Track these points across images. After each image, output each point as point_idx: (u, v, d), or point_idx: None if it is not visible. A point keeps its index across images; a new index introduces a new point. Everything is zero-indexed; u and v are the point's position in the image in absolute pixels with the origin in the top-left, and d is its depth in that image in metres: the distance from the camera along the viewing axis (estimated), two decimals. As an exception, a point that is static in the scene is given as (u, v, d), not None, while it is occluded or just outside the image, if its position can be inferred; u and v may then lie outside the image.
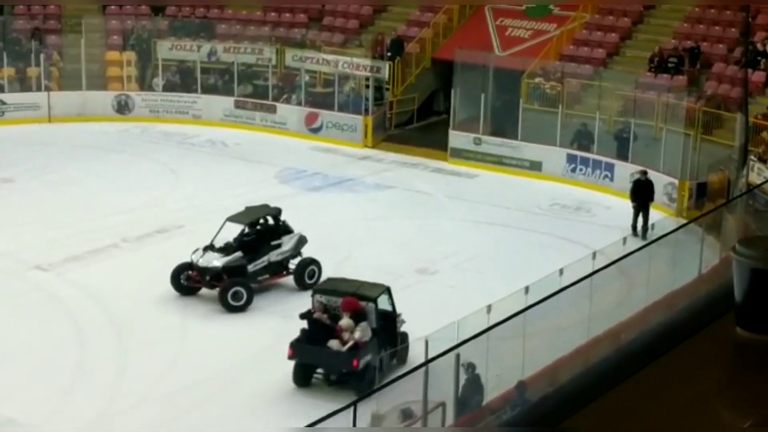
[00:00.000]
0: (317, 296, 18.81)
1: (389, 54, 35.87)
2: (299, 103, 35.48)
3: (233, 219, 22.26)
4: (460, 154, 32.73)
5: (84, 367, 18.97)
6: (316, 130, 34.73)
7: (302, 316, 18.51)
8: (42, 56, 35.84)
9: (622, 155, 30.11)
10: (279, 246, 22.00)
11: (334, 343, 18.03)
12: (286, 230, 22.49)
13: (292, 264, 22.59)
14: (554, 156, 31.35)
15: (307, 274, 21.88)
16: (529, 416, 5.18)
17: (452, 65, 34.06)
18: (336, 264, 24.14)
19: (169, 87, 36.49)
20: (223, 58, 36.81)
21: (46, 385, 18.27)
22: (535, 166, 31.67)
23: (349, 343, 17.88)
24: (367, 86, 34.80)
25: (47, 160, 31.28)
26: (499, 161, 32.24)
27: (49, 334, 20.10)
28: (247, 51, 36.71)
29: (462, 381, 14.60)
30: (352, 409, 10.16)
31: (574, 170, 30.95)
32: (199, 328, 20.73)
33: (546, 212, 28.53)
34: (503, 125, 32.76)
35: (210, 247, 21.61)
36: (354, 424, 11.16)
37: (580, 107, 32.25)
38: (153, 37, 37.48)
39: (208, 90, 36.34)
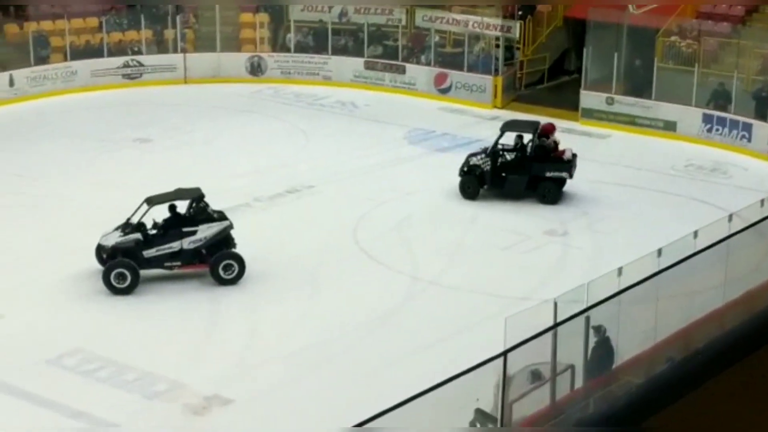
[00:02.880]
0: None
1: (520, 13, 35.49)
2: (428, 64, 35.39)
3: (150, 200, 20.91)
4: (592, 115, 32.29)
5: (217, 323, 19.35)
6: (445, 91, 34.62)
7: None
8: (178, 19, 36.47)
9: (761, 115, 29.31)
10: (193, 233, 20.54)
11: None
12: (208, 218, 20.85)
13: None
14: (690, 116, 30.70)
15: (222, 267, 20.33)
16: (668, 378, 5.07)
17: (585, 24, 33.54)
18: (464, 225, 24.13)
19: (300, 48, 36.77)
20: (353, 19, 36.91)
21: (181, 339, 18.69)
22: (669, 127, 31.08)
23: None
24: (497, 46, 34.52)
25: (182, 120, 31.89)
26: (631, 121, 31.72)
27: (184, 291, 20.51)
28: (378, 11, 36.71)
29: (592, 344, 14.44)
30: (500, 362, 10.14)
31: (710, 130, 30.27)
32: (329, 287, 20.93)
33: (680, 173, 27.98)
34: (637, 85, 32.20)
35: (125, 225, 20.61)
36: (504, 375, 11.17)
37: (717, 66, 31.46)
38: (286, -2, 37.76)
39: (338, 51, 36.51)
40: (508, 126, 26.20)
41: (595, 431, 4.75)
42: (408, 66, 35.47)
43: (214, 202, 24.65)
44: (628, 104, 31.81)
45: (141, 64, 35.81)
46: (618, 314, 13.86)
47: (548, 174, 25.45)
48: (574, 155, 25.71)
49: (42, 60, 34.60)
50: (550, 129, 26.10)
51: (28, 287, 20.42)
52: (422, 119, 32.35)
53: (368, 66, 35.88)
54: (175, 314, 19.60)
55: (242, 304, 20.11)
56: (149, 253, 20.41)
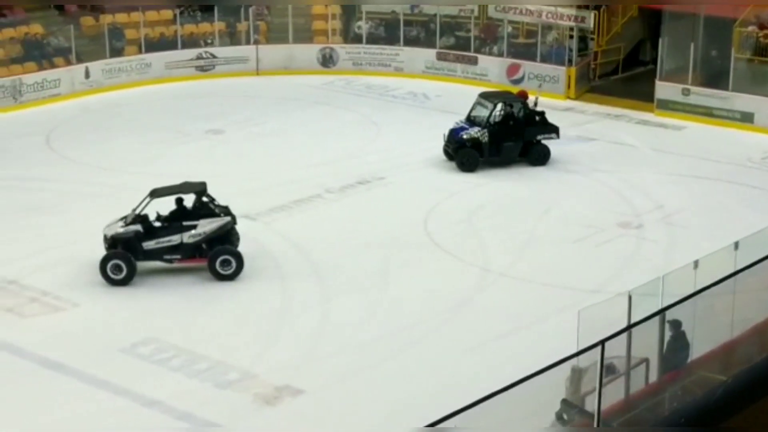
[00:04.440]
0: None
1: (593, 3, 35.11)
2: (501, 55, 35.20)
3: (154, 192, 20.81)
4: (667, 106, 31.89)
5: (288, 314, 19.40)
6: (517, 82, 34.38)
7: None
8: (251, 11, 36.66)
9: (842, 107, 28.78)
10: (193, 227, 20.37)
11: None
12: (210, 213, 20.67)
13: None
14: (767, 107, 30.17)
15: (219, 262, 20.24)
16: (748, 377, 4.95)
17: (660, 14, 33.10)
18: (536, 216, 23.96)
19: (372, 39, 36.77)
20: (425, 10, 36.84)
21: (253, 329, 18.78)
22: (746, 118, 30.59)
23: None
24: (571, 36, 34.22)
25: (254, 112, 32.06)
26: (708, 113, 31.27)
27: (255, 281, 20.62)
28: (450, 2, 36.57)
29: (667, 338, 14.23)
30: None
31: (787, 122, 29.78)
32: (400, 277, 20.89)
33: (757, 165, 27.53)
34: (713, 75, 31.70)
35: (134, 217, 20.51)
36: (601, 364, 11.07)
37: (796, 57, 30.91)
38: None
39: (410, 42, 36.45)
40: (491, 97, 27.74)
41: None
42: (480, 57, 35.31)
43: (286, 193, 24.87)
44: (704, 95, 31.36)
45: (214, 56, 36.06)
46: (694, 308, 13.63)
47: (539, 137, 27.10)
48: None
49: (117, 52, 35.00)
50: (525, 95, 28.02)
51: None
52: (494, 110, 32.13)
53: (440, 57, 35.78)
54: (248, 304, 19.70)
55: (314, 294, 20.14)
56: (149, 245, 20.38)
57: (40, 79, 32.89)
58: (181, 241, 20.41)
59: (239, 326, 18.90)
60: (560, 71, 33.83)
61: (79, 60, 34.03)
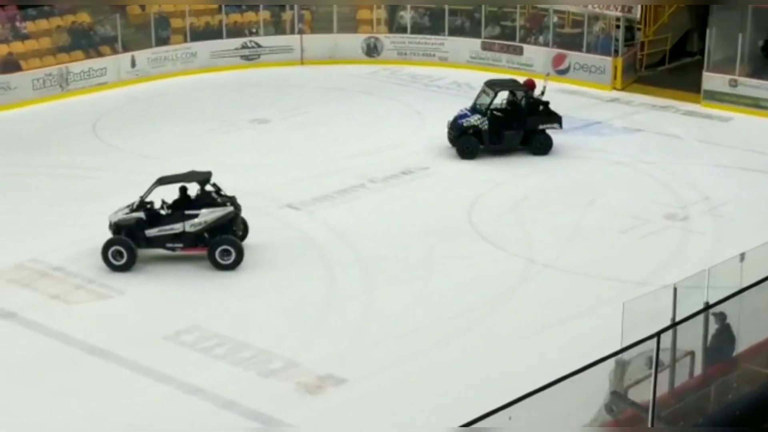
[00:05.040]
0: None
1: (641, -7, 34.83)
2: (546, 44, 35.01)
3: (161, 180, 21.03)
4: (714, 97, 31.58)
5: (331, 303, 19.43)
6: (563, 72, 34.19)
7: None
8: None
9: None
10: (195, 216, 20.42)
11: None
12: (212, 202, 20.73)
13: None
14: (816, 99, 29.93)
15: (219, 252, 20.28)
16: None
17: (708, 4, 32.76)
18: (581, 207, 23.83)
19: (416, 29, 36.69)
20: (471, 0, 36.69)
21: (297, 318, 18.83)
22: (794, 110, 30.28)
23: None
24: (618, 26, 33.96)
25: (299, 101, 32.11)
26: (755, 104, 30.94)
27: (299, 270, 20.67)
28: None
29: (712, 331, 14.12)
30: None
31: (838, 114, 29.41)
32: (444, 268, 20.86)
33: (805, 158, 27.23)
34: (761, 66, 31.34)
35: (139, 204, 20.71)
36: (656, 357, 11.02)
37: None
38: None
39: (455, 32, 36.34)
40: (496, 85, 27.63)
41: None
42: (525, 47, 35.15)
43: (330, 183, 24.90)
44: (751, 86, 31.03)
45: (259, 46, 36.14)
46: (740, 301, 13.50)
47: (541, 127, 27.05)
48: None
49: (163, 41, 35.17)
50: (532, 84, 27.74)
51: (147, 265, 20.77)
52: (539, 101, 32.02)
53: (485, 47, 35.65)
54: (291, 293, 19.74)
55: (357, 284, 20.16)
56: (151, 232, 20.50)
57: (87, 67, 33.13)
58: (183, 229, 20.50)
59: (283, 315, 18.96)
60: (606, 61, 33.59)
61: (126, 49, 34.24)
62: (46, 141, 28.36)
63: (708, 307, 13.43)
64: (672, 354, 13.31)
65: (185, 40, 35.44)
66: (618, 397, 12.51)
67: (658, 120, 30.62)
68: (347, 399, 16.32)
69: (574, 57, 34.19)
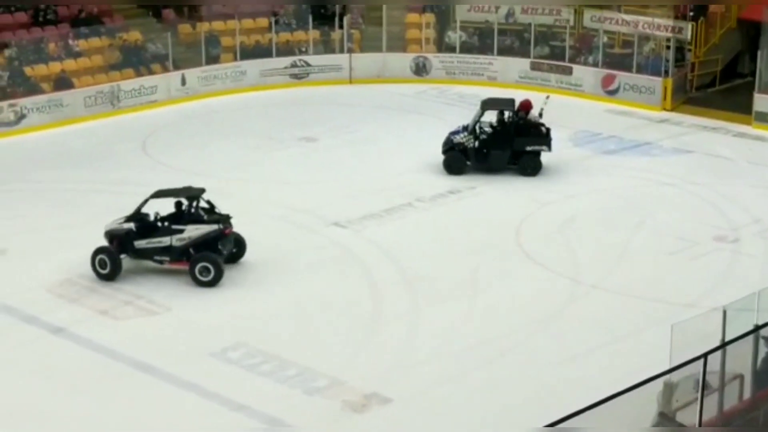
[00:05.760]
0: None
1: (692, 14, 34.63)
2: (596, 65, 34.89)
3: (157, 193, 21.31)
4: (766, 118, 31.33)
5: (377, 321, 19.41)
6: (612, 92, 34.05)
7: None
8: (345, 19, 36.85)
9: None
10: (181, 232, 20.69)
11: None
12: (198, 219, 20.96)
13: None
14: None
15: (198, 269, 20.45)
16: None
17: (759, 26, 32.50)
18: (630, 228, 23.66)
19: (465, 49, 36.72)
20: (520, 20, 36.70)
21: (342, 336, 18.81)
22: None
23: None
24: (668, 47, 33.78)
25: (347, 120, 32.20)
26: (807, 126, 30.65)
27: (346, 288, 20.68)
28: (545, 12, 36.39)
29: (761, 354, 13.95)
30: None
31: None
32: (490, 287, 20.78)
33: None
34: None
35: (133, 215, 21.10)
36: (703, 378, 10.91)
37: None
38: (452, -1, 37.84)
39: (504, 52, 36.32)
40: (487, 104, 27.52)
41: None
42: (575, 67, 35.04)
43: (377, 201, 24.91)
44: (803, 108, 30.76)
45: (308, 64, 36.31)
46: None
47: (529, 148, 26.90)
48: (548, 129, 27.05)
49: (213, 60, 35.44)
50: (528, 105, 27.46)
51: (193, 282, 20.87)
52: (588, 121, 31.92)
53: (534, 67, 35.58)
54: (337, 311, 19.74)
55: (404, 302, 20.13)
56: (140, 244, 20.86)
57: (138, 85, 33.45)
58: (170, 243, 20.81)
59: (329, 333, 18.96)
60: (656, 82, 33.41)
61: (176, 67, 34.54)
62: (97, 157, 28.65)
63: (757, 329, 13.28)
64: (720, 377, 13.17)
65: (235, 59, 35.69)
66: (665, 418, 12.39)
67: (709, 141, 30.38)
68: (393, 418, 16.27)
69: (623, 77, 34.03)
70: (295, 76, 36.16)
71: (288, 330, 19.07)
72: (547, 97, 28.39)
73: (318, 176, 27.08)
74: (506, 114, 27.23)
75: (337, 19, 36.98)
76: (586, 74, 34.76)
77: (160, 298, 20.14)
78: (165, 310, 19.72)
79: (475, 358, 17.98)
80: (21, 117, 31.05)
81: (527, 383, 17.13)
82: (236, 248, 21.45)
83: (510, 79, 35.69)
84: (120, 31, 34.93)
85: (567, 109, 33.04)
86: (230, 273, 21.00)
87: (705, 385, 12.58)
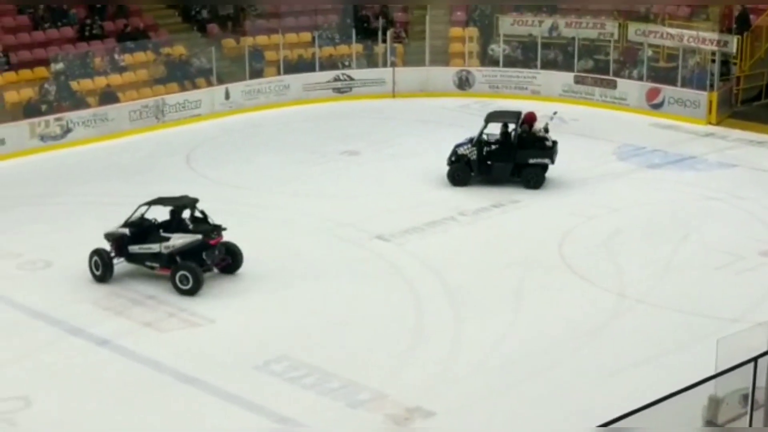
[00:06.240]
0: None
1: (736, 27, 34.39)
2: (641, 78, 34.72)
3: (158, 200, 21.89)
4: (812, 132, 31.04)
5: (421, 335, 19.36)
6: (657, 106, 33.87)
7: None
8: (388, 33, 36.93)
9: None
10: (168, 240, 21.11)
11: None
12: (183, 227, 21.40)
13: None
14: None
15: (177, 277, 20.76)
16: None
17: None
18: (675, 242, 23.48)
19: (508, 62, 36.67)
20: (564, 33, 36.66)
21: (385, 349, 18.78)
22: None
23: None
24: (713, 61, 33.54)
25: (390, 133, 32.24)
26: None
27: (389, 302, 20.66)
28: (589, 26, 36.34)
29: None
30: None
31: None
32: (534, 301, 20.68)
33: None
34: None
35: (132, 220, 21.66)
36: (753, 384, 10.79)
37: None
38: (496, 13, 37.81)
39: (547, 65, 36.24)
40: (492, 116, 27.70)
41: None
42: (619, 81, 34.90)
43: (420, 215, 24.89)
44: None
45: (351, 78, 36.41)
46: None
47: (531, 161, 26.92)
48: (555, 142, 27.13)
49: (256, 74, 35.63)
50: (532, 118, 27.60)
51: (239, 292, 20.97)
52: (633, 135, 31.76)
53: (578, 80, 35.47)
54: (380, 324, 19.72)
55: (447, 315, 20.08)
56: (133, 249, 21.37)
57: (182, 99, 33.68)
58: (159, 250, 21.19)
59: (371, 346, 18.94)
60: (701, 96, 33.19)
61: (220, 81, 34.75)
62: (141, 171, 28.85)
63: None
64: (766, 392, 13.03)
65: (278, 73, 35.87)
66: (713, 425, 12.25)
67: (754, 155, 30.12)
68: (435, 432, 16.22)
69: (668, 91, 33.85)
70: (338, 90, 36.27)
71: (331, 343, 19.07)
72: (555, 113, 28.41)
73: (361, 190, 27.11)
74: (510, 126, 27.25)
75: (380, 33, 37.07)
76: (630, 88, 34.59)
77: (204, 310, 20.22)
78: (208, 322, 19.80)
79: (520, 371, 17.89)
80: (67, 131, 31.36)
81: (572, 397, 17.00)
82: (231, 259, 21.67)
83: (554, 92, 35.60)
84: (165, 46, 35.22)
85: (611, 123, 32.94)
86: (273, 286, 21.08)
87: (753, 393, 12.48)
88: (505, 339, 19.16)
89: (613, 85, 34.89)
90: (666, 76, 34.42)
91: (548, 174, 27.43)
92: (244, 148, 31.07)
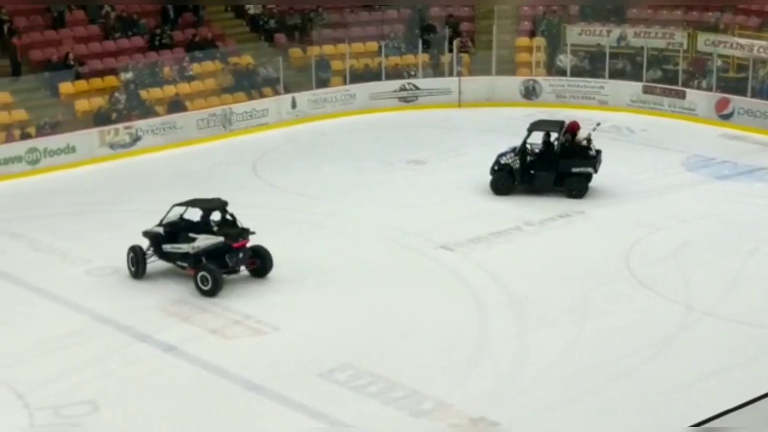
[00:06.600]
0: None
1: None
2: (710, 89, 34.33)
3: (190, 202, 22.37)
4: None
5: (484, 345, 19.28)
6: (726, 117, 33.47)
7: None
8: (455, 43, 36.91)
9: None
10: (194, 240, 21.43)
11: None
12: (208, 229, 21.66)
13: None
14: None
15: (199, 278, 21.11)
16: None
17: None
18: (744, 255, 23.16)
19: (576, 72, 36.47)
20: (632, 43, 36.41)
21: (449, 359, 18.72)
22: None
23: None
24: (784, 71, 33.10)
25: (456, 143, 32.19)
26: None
27: (453, 311, 20.60)
28: (658, 35, 36.07)
29: None
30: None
31: None
32: (600, 312, 20.50)
33: None
34: None
35: (168, 220, 22.18)
36: None
37: None
38: (563, 23, 37.64)
39: (615, 75, 35.98)
40: (535, 126, 27.59)
41: None
42: (688, 91, 34.54)
43: (485, 225, 24.81)
44: None
45: (417, 88, 36.43)
46: None
47: (574, 170, 26.74)
48: (599, 151, 27.00)
49: (323, 83, 35.80)
50: (575, 127, 27.47)
51: (304, 300, 21.05)
52: (702, 145, 31.40)
53: (646, 90, 35.17)
54: (445, 334, 19.67)
55: (512, 325, 19.97)
56: (166, 248, 21.88)
57: (249, 108, 33.94)
58: (188, 251, 21.55)
59: (435, 355, 18.89)
60: (772, 106, 32.79)
61: (287, 90, 34.97)
62: (209, 179, 29.08)
63: None
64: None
65: (344, 82, 36.00)
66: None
67: (827, 166, 29.66)
68: (499, 442, 16.13)
69: (738, 101, 33.44)
70: (404, 100, 36.31)
71: (395, 352, 19.05)
72: (598, 124, 28.21)
73: (426, 199, 27.09)
74: (552, 136, 27.10)
75: (446, 43, 37.07)
76: (699, 98, 34.23)
77: (269, 317, 20.31)
78: (273, 330, 19.88)
79: (585, 383, 17.74)
80: (136, 139, 31.74)
81: (639, 410, 16.82)
82: (260, 262, 21.88)
83: (621, 102, 35.33)
84: (232, 55, 35.51)
85: (680, 134, 32.61)
86: (338, 294, 21.13)
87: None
88: (571, 350, 19.01)
89: (682, 95, 34.55)
90: (735, 87, 34.01)
91: (615, 184, 27.23)
92: (310, 156, 31.20)
